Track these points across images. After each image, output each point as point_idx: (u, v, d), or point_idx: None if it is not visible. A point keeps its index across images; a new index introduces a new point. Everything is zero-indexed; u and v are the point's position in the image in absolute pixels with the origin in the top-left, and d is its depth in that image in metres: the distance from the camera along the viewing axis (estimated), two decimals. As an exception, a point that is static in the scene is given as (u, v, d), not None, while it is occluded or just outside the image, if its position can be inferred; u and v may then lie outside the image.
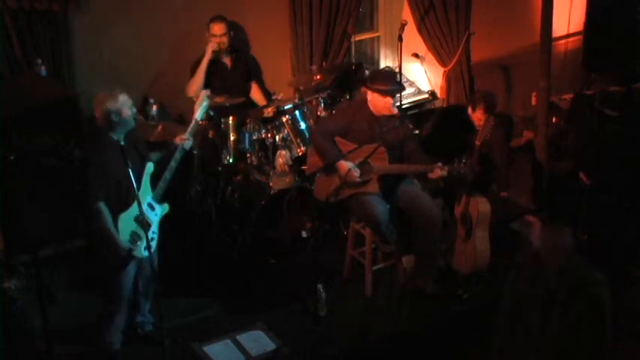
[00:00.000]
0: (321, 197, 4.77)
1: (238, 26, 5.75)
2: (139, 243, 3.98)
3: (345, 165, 4.54)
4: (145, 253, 4.00)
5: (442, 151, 4.62)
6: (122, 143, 3.88)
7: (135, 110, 4.08)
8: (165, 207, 4.20)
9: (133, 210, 3.93)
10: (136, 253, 3.99)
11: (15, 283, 4.11)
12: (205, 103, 4.59)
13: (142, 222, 3.78)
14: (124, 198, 3.94)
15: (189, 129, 4.41)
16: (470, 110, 4.99)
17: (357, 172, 4.55)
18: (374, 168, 4.57)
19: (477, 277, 4.74)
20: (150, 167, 4.12)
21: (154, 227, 4.11)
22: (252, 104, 5.68)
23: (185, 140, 4.34)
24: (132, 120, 4.02)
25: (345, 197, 4.63)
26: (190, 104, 5.35)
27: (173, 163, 4.19)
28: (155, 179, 4.16)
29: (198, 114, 4.52)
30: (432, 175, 4.49)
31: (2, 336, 3.84)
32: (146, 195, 4.08)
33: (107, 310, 4.17)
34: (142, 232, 3.94)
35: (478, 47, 6.58)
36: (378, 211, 4.52)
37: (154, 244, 4.08)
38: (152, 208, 4.13)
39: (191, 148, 5.12)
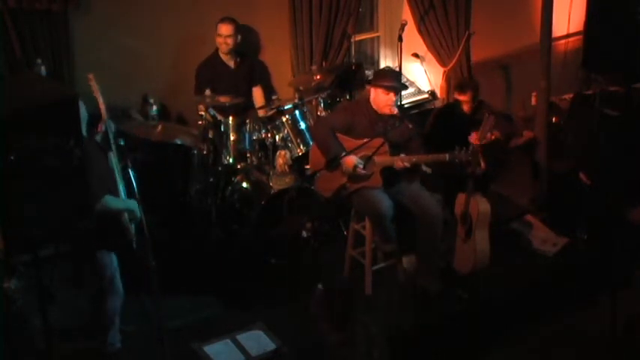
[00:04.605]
0: (325, 194, 4.79)
1: (249, 29, 5.76)
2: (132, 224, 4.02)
3: (351, 160, 4.57)
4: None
5: (441, 149, 4.62)
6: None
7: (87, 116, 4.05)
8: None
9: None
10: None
11: (15, 283, 4.11)
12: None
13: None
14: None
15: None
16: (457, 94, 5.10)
17: (361, 166, 4.59)
18: (376, 161, 4.59)
19: (477, 277, 4.74)
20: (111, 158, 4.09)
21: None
22: (252, 105, 5.70)
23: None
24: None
25: (350, 192, 4.67)
26: (190, 104, 5.36)
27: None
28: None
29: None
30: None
31: (2, 336, 3.84)
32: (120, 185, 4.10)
33: (102, 301, 4.15)
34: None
35: (478, 47, 6.57)
36: (384, 205, 4.55)
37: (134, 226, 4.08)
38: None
39: (190, 148, 5.14)
